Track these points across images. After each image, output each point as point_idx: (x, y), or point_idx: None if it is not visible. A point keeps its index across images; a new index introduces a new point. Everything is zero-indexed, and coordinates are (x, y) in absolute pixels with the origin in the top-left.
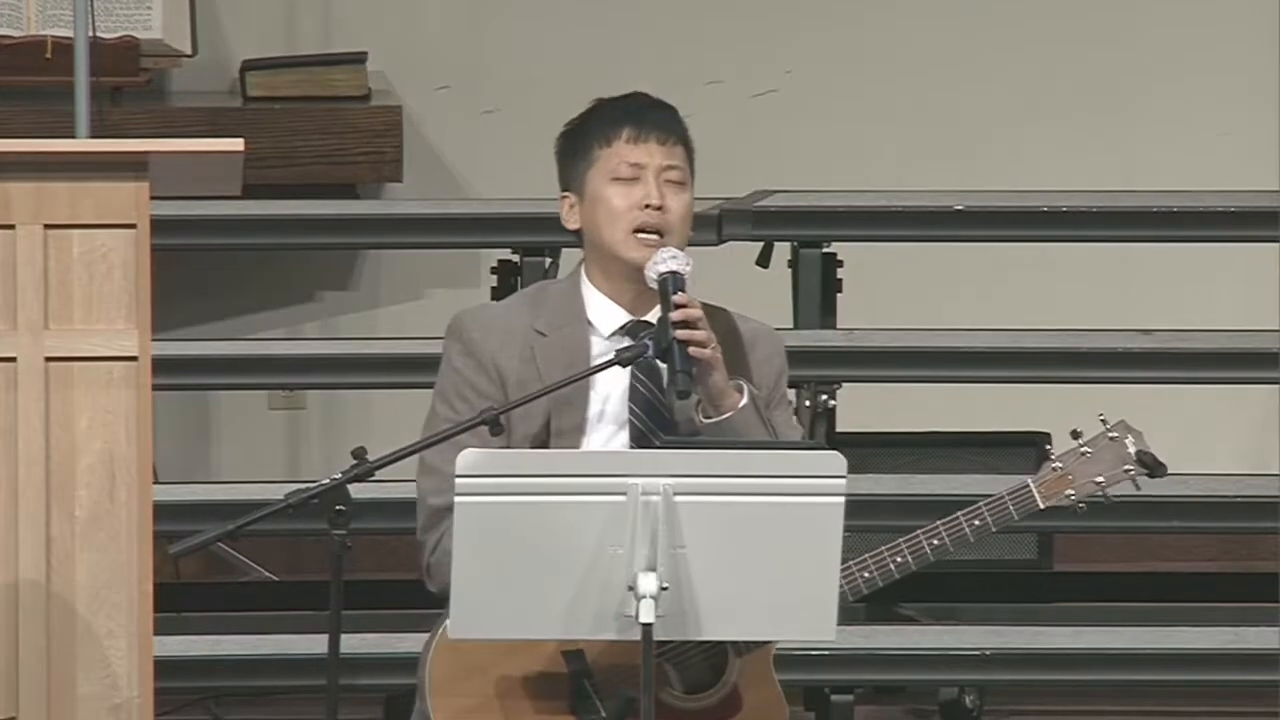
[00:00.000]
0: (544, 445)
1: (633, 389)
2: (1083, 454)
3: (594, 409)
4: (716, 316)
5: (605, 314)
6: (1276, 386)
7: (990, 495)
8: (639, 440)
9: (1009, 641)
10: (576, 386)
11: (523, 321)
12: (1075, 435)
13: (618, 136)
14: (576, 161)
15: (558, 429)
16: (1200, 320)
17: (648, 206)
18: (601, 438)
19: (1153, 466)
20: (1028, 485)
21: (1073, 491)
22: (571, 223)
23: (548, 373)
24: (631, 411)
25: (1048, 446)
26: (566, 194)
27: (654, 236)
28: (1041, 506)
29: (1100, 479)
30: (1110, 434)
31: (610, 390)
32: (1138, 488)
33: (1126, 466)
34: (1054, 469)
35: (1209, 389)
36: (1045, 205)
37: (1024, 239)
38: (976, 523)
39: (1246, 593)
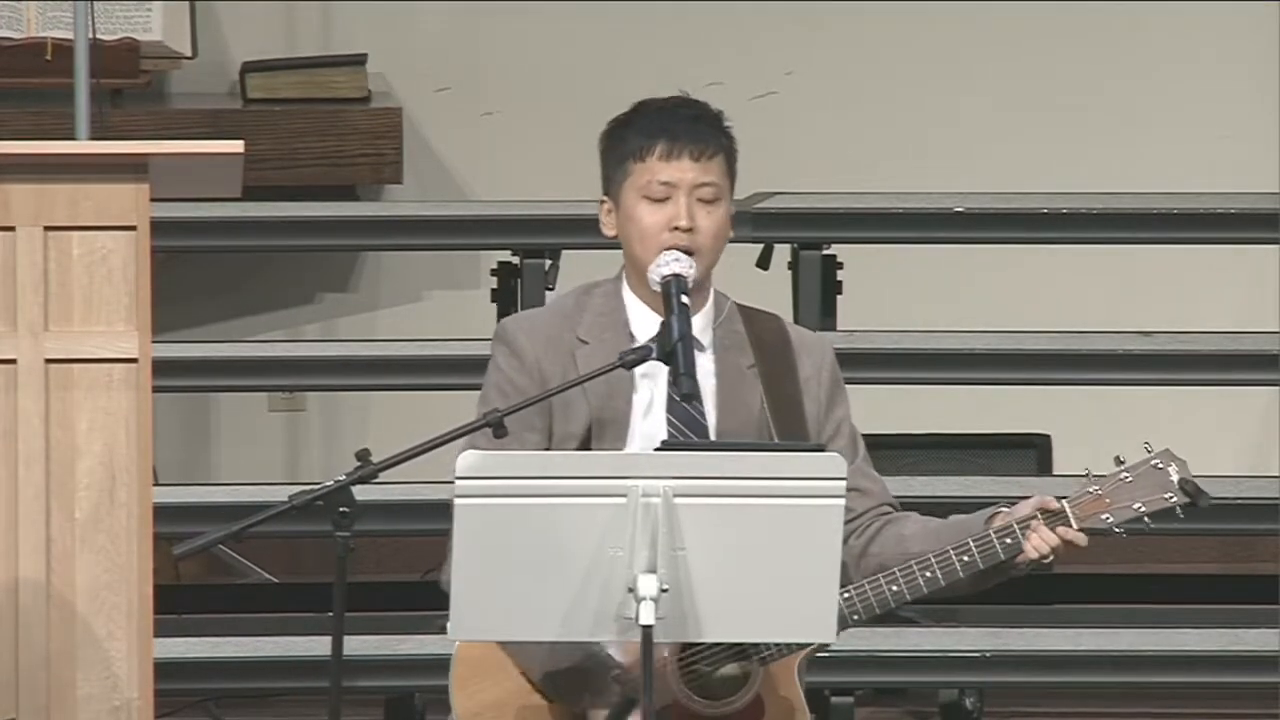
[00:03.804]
0: (586, 449)
1: (670, 400)
2: (1122, 479)
3: (636, 415)
4: (767, 323)
5: (644, 321)
6: (1276, 388)
7: (996, 498)
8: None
9: (1009, 643)
10: (619, 394)
11: (566, 330)
12: (1119, 461)
13: (651, 152)
14: (614, 169)
15: (599, 433)
16: (1200, 322)
17: (676, 229)
18: (642, 447)
19: (1195, 495)
20: (1063, 507)
21: (1109, 515)
22: (609, 229)
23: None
24: (670, 423)
25: (1087, 468)
26: (605, 199)
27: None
28: (1075, 528)
29: (1139, 505)
30: (1154, 461)
31: (652, 397)
32: (1180, 515)
33: (1168, 494)
34: (1090, 492)
35: (1209, 391)
36: (1045, 207)
37: (1024, 240)
38: (1008, 540)
39: (1247, 595)
